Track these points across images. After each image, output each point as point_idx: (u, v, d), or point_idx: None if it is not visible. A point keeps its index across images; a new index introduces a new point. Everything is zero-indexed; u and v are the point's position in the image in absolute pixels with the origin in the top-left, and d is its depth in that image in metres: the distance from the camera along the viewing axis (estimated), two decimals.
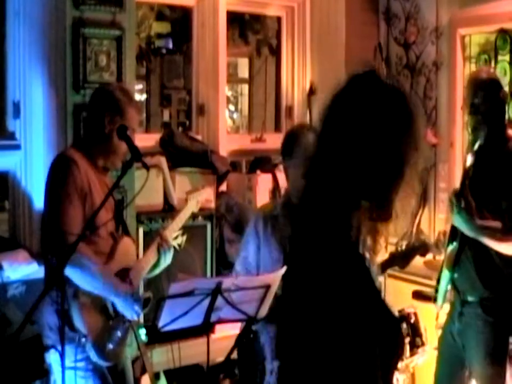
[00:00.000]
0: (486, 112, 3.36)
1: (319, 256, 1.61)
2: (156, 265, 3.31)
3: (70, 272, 2.81)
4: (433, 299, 3.60)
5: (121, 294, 2.98)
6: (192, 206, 3.51)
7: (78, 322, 2.91)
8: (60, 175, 3.00)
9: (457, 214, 3.35)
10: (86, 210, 2.99)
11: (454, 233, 3.46)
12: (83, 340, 2.91)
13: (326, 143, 1.67)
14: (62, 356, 2.71)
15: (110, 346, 3.01)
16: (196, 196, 3.54)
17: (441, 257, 3.75)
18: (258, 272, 3.42)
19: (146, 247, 3.55)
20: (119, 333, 3.07)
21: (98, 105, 3.16)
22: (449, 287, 3.54)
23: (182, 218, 3.48)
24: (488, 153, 3.39)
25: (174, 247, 3.44)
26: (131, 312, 3.01)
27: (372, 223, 1.66)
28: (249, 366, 3.41)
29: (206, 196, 3.62)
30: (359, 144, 1.60)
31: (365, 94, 1.64)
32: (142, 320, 4.23)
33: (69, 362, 2.84)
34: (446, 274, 3.50)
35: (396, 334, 1.66)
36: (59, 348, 2.74)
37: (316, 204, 1.66)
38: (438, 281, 3.57)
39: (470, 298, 3.42)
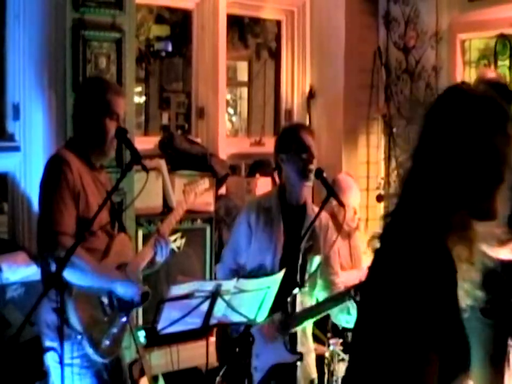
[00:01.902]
0: None
1: (412, 267, 1.62)
2: (151, 261, 3.30)
3: (65, 274, 2.81)
4: None
5: (118, 279, 3.00)
6: (190, 198, 3.49)
7: (73, 319, 2.91)
8: (52, 176, 3.01)
9: None
10: (80, 210, 2.99)
11: None
12: (79, 336, 2.91)
13: (425, 157, 1.68)
14: (61, 354, 2.71)
15: (106, 342, 3.00)
16: (194, 188, 3.51)
17: None
18: (246, 262, 3.45)
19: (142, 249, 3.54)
20: (115, 329, 3.06)
21: (85, 102, 3.15)
22: None
23: (180, 211, 3.45)
24: None
25: (173, 250, 3.43)
26: (131, 294, 3.01)
27: (465, 232, 1.69)
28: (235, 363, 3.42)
29: (204, 187, 3.58)
30: (460, 155, 1.64)
31: (456, 105, 1.68)
32: (141, 322, 4.24)
33: (65, 359, 2.84)
34: None
35: (465, 356, 1.68)
36: (57, 345, 2.73)
37: (415, 216, 1.67)
38: None
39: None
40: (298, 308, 3.33)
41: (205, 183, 3.58)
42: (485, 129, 1.63)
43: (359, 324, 1.77)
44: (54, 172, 3.00)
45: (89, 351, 2.95)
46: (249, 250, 3.46)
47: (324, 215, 3.47)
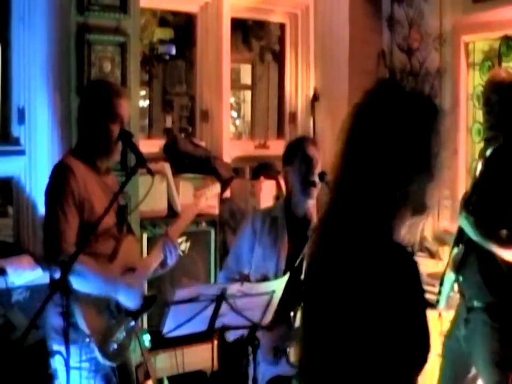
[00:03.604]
0: (501, 114, 3.37)
1: (364, 259, 1.66)
2: (162, 264, 3.30)
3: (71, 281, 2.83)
4: (436, 301, 3.59)
5: (122, 288, 3.00)
6: (201, 203, 3.49)
7: (80, 322, 2.92)
8: (55, 185, 3.03)
9: (464, 218, 3.36)
10: (85, 217, 3.01)
11: (460, 236, 3.45)
12: (87, 340, 2.92)
13: (356, 150, 1.73)
14: (67, 358, 2.71)
15: (114, 346, 3.02)
16: (204, 193, 3.52)
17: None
18: (250, 269, 3.46)
19: (150, 252, 3.54)
20: (123, 333, 3.07)
21: (88, 106, 3.15)
22: (451, 293, 3.54)
23: (190, 215, 3.46)
24: (498, 161, 3.39)
25: (178, 253, 3.43)
26: (133, 304, 3.02)
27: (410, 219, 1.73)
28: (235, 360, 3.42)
29: (215, 192, 3.60)
30: (389, 144, 1.69)
31: (388, 100, 1.73)
32: (146, 325, 4.24)
33: (73, 362, 2.85)
34: (450, 277, 3.50)
35: (426, 350, 1.68)
36: (63, 349, 2.73)
37: (352, 210, 1.71)
38: (441, 283, 3.57)
39: (475, 304, 3.41)
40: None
41: (216, 187, 3.59)
42: (415, 125, 1.69)
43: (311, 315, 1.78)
44: (58, 181, 3.02)
45: (97, 354, 2.95)
46: (252, 258, 3.46)
47: None
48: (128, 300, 3.03)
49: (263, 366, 3.29)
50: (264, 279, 3.38)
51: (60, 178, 3.01)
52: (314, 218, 3.48)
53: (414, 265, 1.68)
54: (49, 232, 2.99)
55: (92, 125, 3.10)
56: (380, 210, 1.69)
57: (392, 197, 1.68)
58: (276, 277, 3.33)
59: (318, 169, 3.42)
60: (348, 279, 1.66)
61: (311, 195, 3.43)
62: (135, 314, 3.09)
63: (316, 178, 3.39)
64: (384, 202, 1.69)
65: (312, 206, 3.52)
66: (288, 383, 3.31)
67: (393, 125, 1.69)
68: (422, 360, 1.67)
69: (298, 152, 3.44)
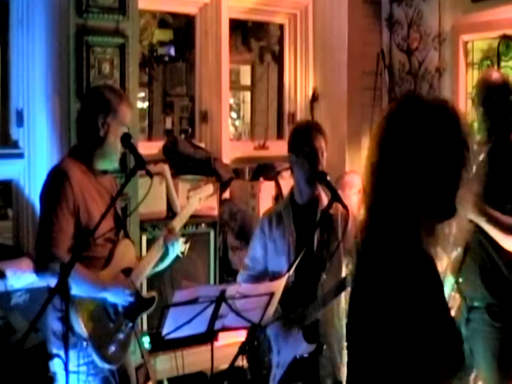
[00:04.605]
0: (497, 113, 3.36)
1: (394, 270, 1.69)
2: (164, 257, 3.31)
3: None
4: None
5: (108, 288, 3.01)
6: (194, 204, 3.50)
7: (77, 326, 2.93)
8: (51, 190, 3.04)
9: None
10: (82, 222, 3.02)
11: None
12: (84, 343, 2.91)
13: (386, 169, 1.75)
14: (66, 362, 2.71)
15: (112, 348, 3.02)
16: (198, 193, 3.52)
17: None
18: (267, 268, 3.51)
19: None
20: (121, 335, 3.07)
21: (90, 108, 3.16)
22: (452, 293, 3.54)
23: (183, 217, 3.46)
24: (494, 156, 3.39)
25: (177, 255, 3.43)
26: (123, 299, 3.02)
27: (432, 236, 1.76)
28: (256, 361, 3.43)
29: (208, 193, 3.59)
30: (419, 163, 1.70)
31: (412, 115, 1.74)
32: (145, 327, 4.23)
33: (72, 366, 2.85)
34: (449, 280, 3.49)
35: (459, 350, 1.72)
36: (63, 353, 2.74)
37: (385, 223, 1.75)
38: None
39: (476, 304, 3.41)
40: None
41: (209, 188, 3.59)
42: (440, 136, 1.71)
43: (353, 319, 1.81)
44: (53, 186, 3.03)
45: (95, 357, 2.95)
46: (267, 256, 3.52)
47: (348, 205, 3.45)
48: (116, 298, 3.02)
49: (284, 351, 3.31)
50: (280, 272, 3.39)
51: (55, 184, 3.02)
52: (323, 199, 3.47)
53: (435, 275, 1.73)
54: (41, 237, 3.00)
55: (95, 135, 3.10)
56: (409, 223, 1.72)
57: (421, 209, 1.72)
58: (290, 267, 3.33)
59: (324, 158, 3.42)
60: (382, 294, 1.69)
61: (316, 185, 3.42)
62: (133, 316, 3.09)
63: (321, 168, 3.39)
64: (414, 215, 1.72)
65: (320, 192, 3.51)
66: (309, 365, 3.30)
67: (422, 138, 1.70)
68: (453, 368, 1.70)
69: (304, 143, 3.42)
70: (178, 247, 3.35)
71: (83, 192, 3.04)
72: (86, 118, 3.17)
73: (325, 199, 3.48)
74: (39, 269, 2.96)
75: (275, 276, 3.39)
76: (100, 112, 3.09)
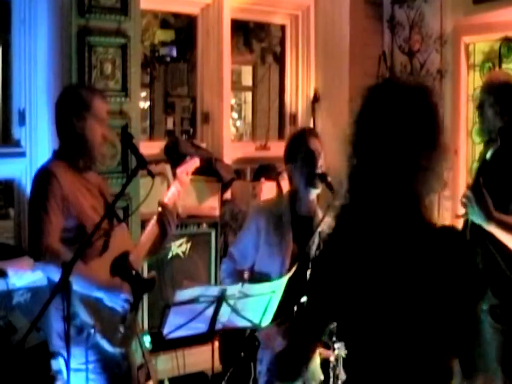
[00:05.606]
0: (498, 116, 3.37)
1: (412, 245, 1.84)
2: (162, 236, 3.31)
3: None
4: None
5: (104, 290, 3.00)
6: (183, 179, 3.45)
7: (82, 314, 2.92)
8: (38, 189, 3.06)
9: (475, 205, 3.22)
10: (75, 216, 3.04)
11: None
12: (91, 330, 2.91)
13: (360, 141, 1.92)
14: (67, 361, 2.72)
15: (121, 329, 3.01)
16: (184, 169, 3.48)
17: None
18: (254, 265, 3.44)
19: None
20: (128, 316, 3.06)
21: (63, 107, 3.17)
22: None
23: (172, 194, 3.42)
24: (498, 157, 3.39)
25: (178, 255, 3.43)
26: (118, 304, 3.02)
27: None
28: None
29: (194, 166, 3.52)
30: (398, 130, 1.84)
31: (387, 94, 1.90)
32: (146, 327, 4.24)
33: (78, 364, 2.86)
34: None
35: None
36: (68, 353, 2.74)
37: (361, 190, 1.90)
38: None
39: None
40: None
41: (195, 161, 3.51)
42: (410, 113, 1.83)
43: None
44: (40, 186, 3.05)
45: (104, 343, 2.94)
46: (257, 255, 3.44)
47: None
48: (112, 301, 3.02)
49: (266, 360, 3.29)
50: (268, 275, 3.37)
51: (42, 183, 3.05)
52: (319, 215, 3.46)
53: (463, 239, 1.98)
54: (32, 230, 3.04)
55: (72, 133, 3.11)
56: (407, 195, 1.84)
57: (413, 181, 1.83)
58: (281, 275, 3.31)
59: (321, 161, 3.39)
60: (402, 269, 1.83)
61: (316, 185, 3.39)
62: (136, 298, 3.07)
63: (320, 171, 3.37)
64: (407, 186, 1.83)
65: (314, 201, 3.50)
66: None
67: (393, 113, 1.84)
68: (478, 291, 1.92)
69: (300, 148, 3.40)
70: (175, 221, 3.32)
71: (71, 187, 3.05)
72: (61, 117, 3.17)
73: (319, 213, 3.47)
74: (35, 259, 2.99)
75: (261, 277, 3.35)
76: (74, 109, 3.10)
